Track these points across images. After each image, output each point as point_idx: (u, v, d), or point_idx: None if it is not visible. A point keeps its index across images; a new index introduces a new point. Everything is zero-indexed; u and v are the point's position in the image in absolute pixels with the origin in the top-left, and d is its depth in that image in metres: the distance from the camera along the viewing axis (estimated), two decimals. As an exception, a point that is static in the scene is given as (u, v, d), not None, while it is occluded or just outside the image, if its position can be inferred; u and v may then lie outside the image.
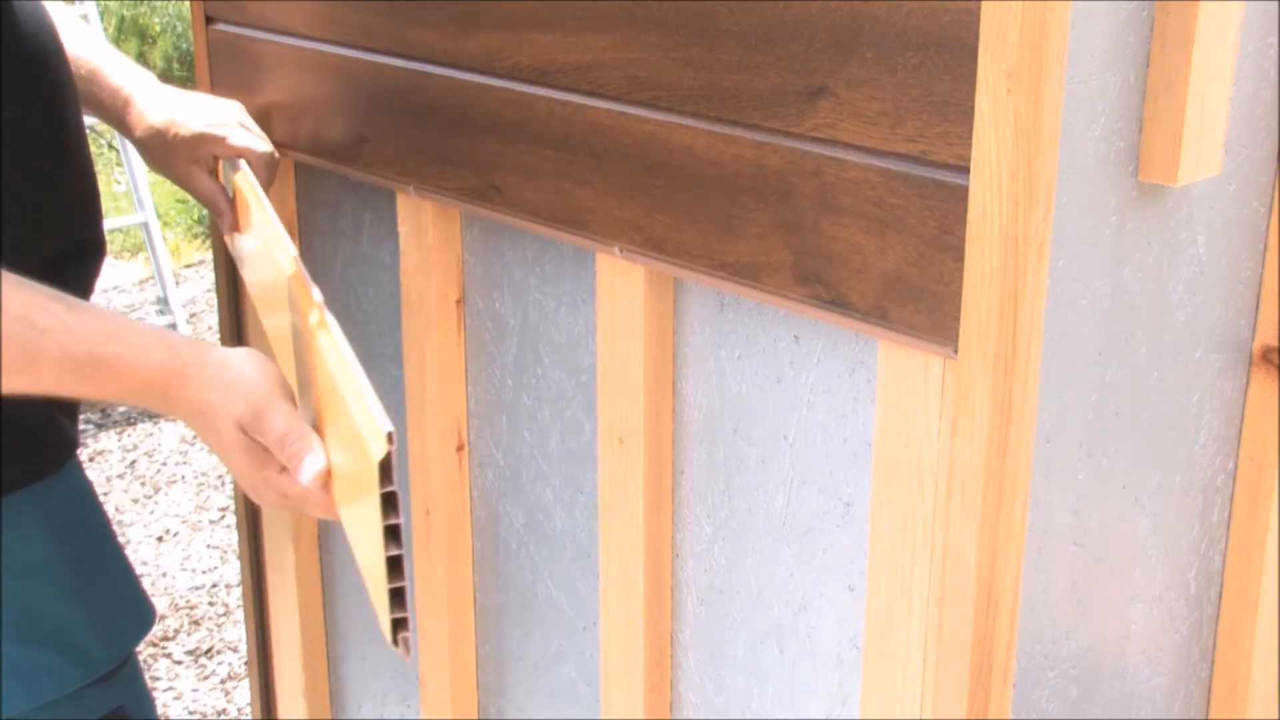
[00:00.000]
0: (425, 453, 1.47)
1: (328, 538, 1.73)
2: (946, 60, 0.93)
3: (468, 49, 1.27)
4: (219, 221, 1.45)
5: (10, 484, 1.16)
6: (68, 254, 1.21)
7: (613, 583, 1.30)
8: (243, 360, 1.06)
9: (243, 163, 1.40)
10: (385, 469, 0.83)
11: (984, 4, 0.90)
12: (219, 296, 1.69)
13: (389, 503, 0.84)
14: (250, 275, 1.37)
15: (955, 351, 0.97)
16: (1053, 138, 0.92)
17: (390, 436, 0.83)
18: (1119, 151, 1.00)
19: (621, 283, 1.21)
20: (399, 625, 0.88)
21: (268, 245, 1.19)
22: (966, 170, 0.94)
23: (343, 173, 1.47)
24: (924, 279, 0.98)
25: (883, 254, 1.00)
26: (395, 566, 0.85)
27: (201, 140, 1.41)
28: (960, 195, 0.95)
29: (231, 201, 1.42)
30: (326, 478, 0.99)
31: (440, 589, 1.50)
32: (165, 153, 1.41)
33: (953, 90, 0.94)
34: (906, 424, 1.03)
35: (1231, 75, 1.01)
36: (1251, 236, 1.15)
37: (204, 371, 1.05)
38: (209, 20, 1.58)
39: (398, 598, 0.86)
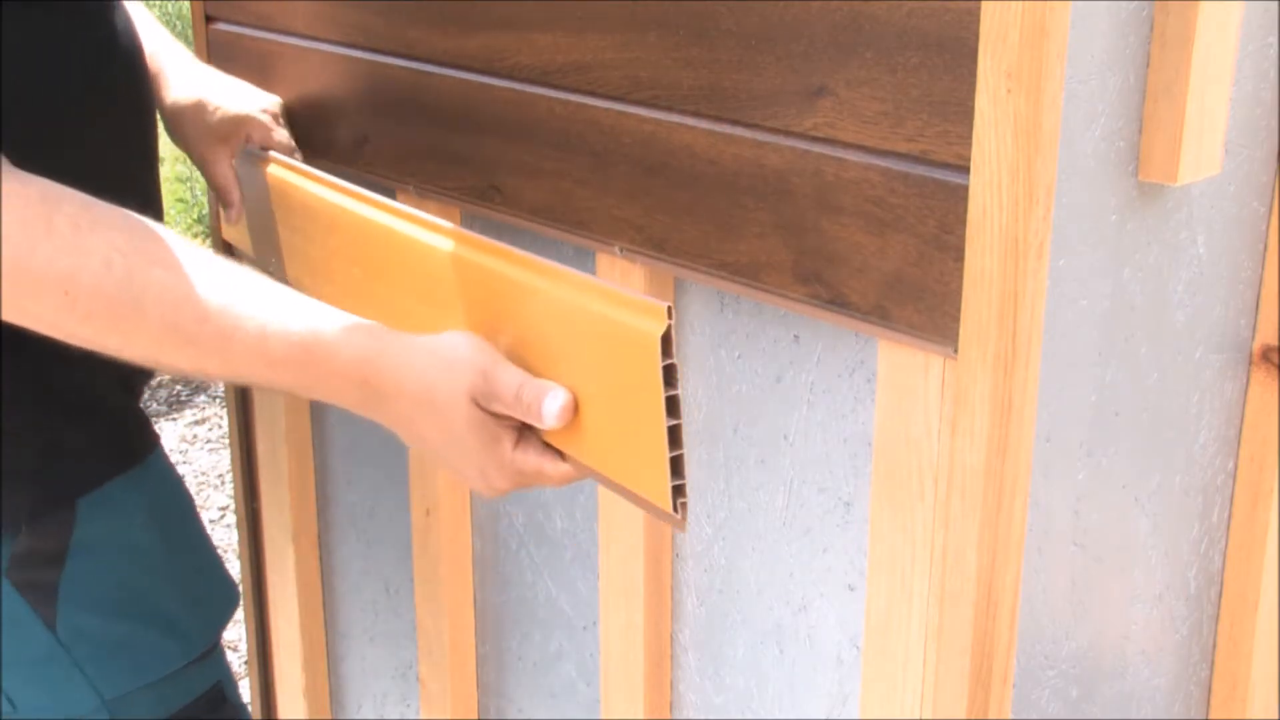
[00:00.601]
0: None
1: (328, 538, 1.73)
2: (946, 60, 0.93)
3: (468, 49, 1.27)
4: (226, 211, 1.44)
5: (111, 471, 1.17)
6: None
7: (613, 583, 1.30)
8: (450, 336, 1.01)
9: (274, 152, 1.40)
10: (666, 342, 0.86)
11: (984, 4, 0.90)
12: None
13: (669, 375, 0.87)
14: (296, 260, 1.36)
15: (955, 351, 0.97)
16: (1053, 138, 0.92)
17: (670, 310, 0.87)
18: (1119, 151, 1.00)
19: (622, 282, 1.21)
20: (678, 491, 0.90)
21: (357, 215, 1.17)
22: (966, 170, 0.94)
23: (342, 172, 1.47)
24: (924, 279, 0.98)
25: (883, 254, 1.00)
26: (675, 435, 0.89)
27: (243, 122, 1.40)
28: (960, 195, 0.95)
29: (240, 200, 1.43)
30: (571, 411, 0.96)
31: (440, 589, 1.50)
32: (194, 128, 1.40)
33: (953, 90, 0.94)
34: (906, 424, 1.03)
35: (1231, 75, 1.01)
36: (1251, 236, 1.15)
37: (412, 357, 0.99)
38: (209, 20, 1.58)
39: (676, 466, 0.89)
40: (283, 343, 0.97)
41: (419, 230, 1.13)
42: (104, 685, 1.16)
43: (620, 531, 1.28)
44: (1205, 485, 1.20)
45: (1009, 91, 0.90)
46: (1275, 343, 1.18)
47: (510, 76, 1.24)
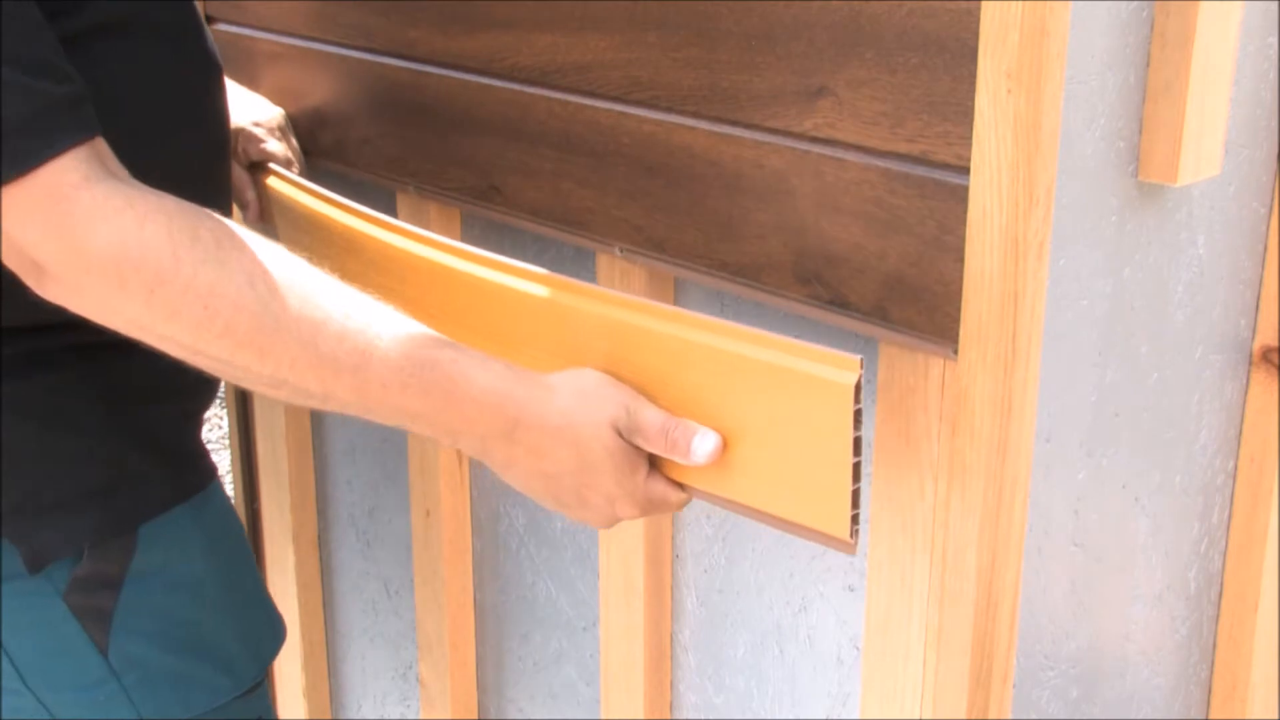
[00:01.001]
0: (425, 453, 1.47)
1: (328, 538, 1.73)
2: (946, 60, 0.93)
3: (468, 49, 1.27)
4: (244, 213, 1.45)
5: (170, 500, 1.17)
6: None
7: (613, 583, 1.30)
8: (584, 372, 1.04)
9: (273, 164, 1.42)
10: (857, 390, 0.94)
11: (984, 4, 0.90)
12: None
13: (857, 419, 0.95)
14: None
15: (955, 351, 0.97)
16: (1053, 138, 0.92)
17: (861, 362, 0.95)
18: (1119, 151, 1.00)
19: (621, 283, 1.21)
20: (854, 520, 0.98)
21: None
22: (966, 170, 0.94)
23: (342, 172, 1.47)
24: (924, 279, 0.98)
25: (883, 254, 1.00)
26: (856, 471, 0.96)
27: (238, 135, 1.41)
28: (960, 195, 0.95)
29: (257, 199, 1.43)
30: (720, 452, 1.01)
31: (440, 589, 1.50)
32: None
33: (953, 90, 0.94)
34: (906, 424, 1.03)
35: (1231, 75, 1.01)
36: (1251, 236, 1.15)
37: (552, 387, 1.02)
38: (209, 20, 1.58)
39: (854, 498, 0.97)
40: (420, 362, 0.97)
41: (479, 268, 1.15)
42: (150, 715, 1.16)
43: (620, 531, 1.28)
44: (1205, 485, 1.20)
45: (1009, 91, 0.90)
46: (1275, 343, 1.18)
47: (510, 77, 1.24)
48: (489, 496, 1.47)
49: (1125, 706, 1.20)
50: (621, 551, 1.28)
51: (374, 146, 1.41)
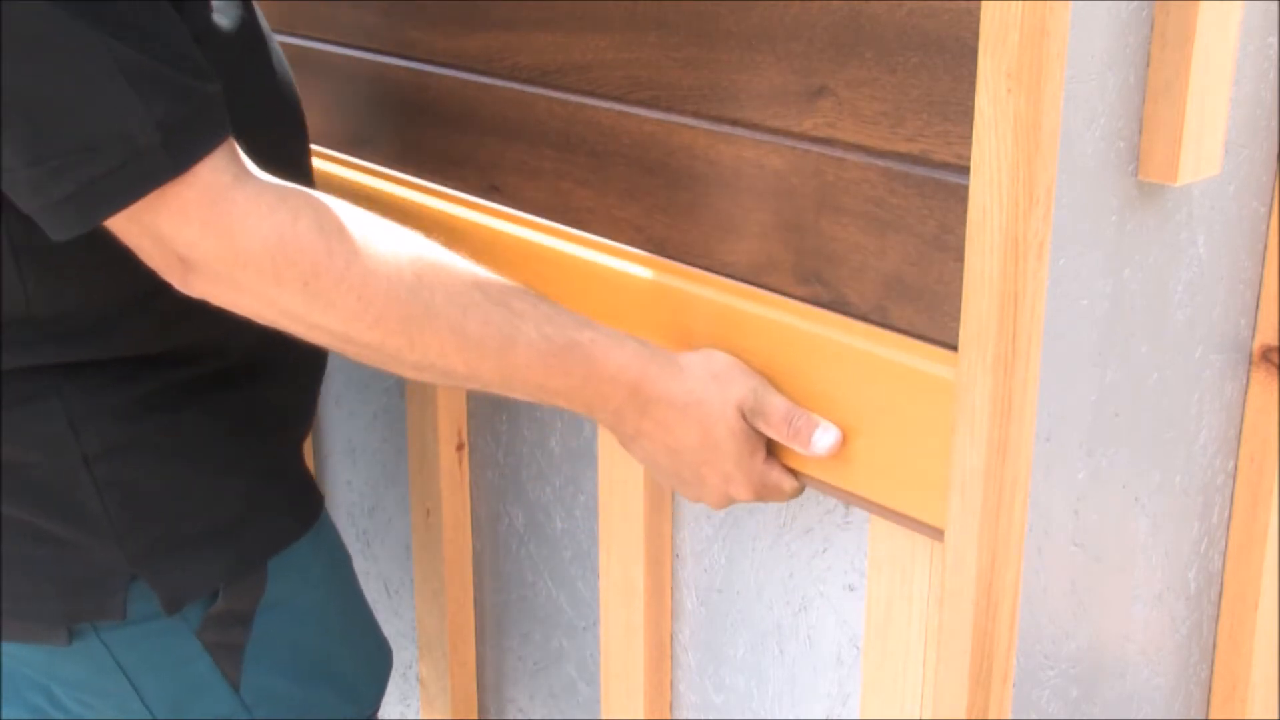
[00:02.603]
0: (425, 453, 1.47)
1: (328, 538, 1.73)
2: (946, 60, 0.93)
3: (468, 49, 1.27)
4: None
5: (296, 532, 1.18)
6: None
7: (613, 583, 1.30)
8: (717, 354, 1.08)
9: None
10: None
11: (984, 4, 0.90)
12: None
13: None
14: None
15: (955, 351, 0.97)
16: (1053, 138, 0.92)
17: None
18: (1119, 151, 1.00)
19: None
20: None
21: None
22: (966, 170, 0.94)
23: (342, 172, 1.47)
24: (924, 279, 0.98)
25: (883, 254, 1.00)
26: None
27: None
28: (960, 195, 0.95)
29: None
30: (840, 446, 1.04)
31: (440, 589, 1.50)
32: None
33: (953, 90, 0.94)
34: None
35: (1231, 75, 1.01)
36: (1251, 236, 1.15)
37: (682, 366, 1.05)
38: (209, 20, 1.58)
39: None
40: (562, 344, 1.01)
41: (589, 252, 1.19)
42: None
43: (620, 531, 1.28)
44: (1205, 485, 1.20)
45: (1009, 91, 0.90)
46: (1275, 343, 1.18)
47: (510, 76, 1.24)
48: (489, 496, 1.47)
49: (1125, 706, 1.20)
50: (621, 551, 1.28)
51: (374, 146, 1.41)
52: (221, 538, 1.12)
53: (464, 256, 1.02)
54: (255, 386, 1.12)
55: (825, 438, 1.04)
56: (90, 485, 1.06)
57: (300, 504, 1.19)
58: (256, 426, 1.15)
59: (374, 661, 1.28)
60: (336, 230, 0.96)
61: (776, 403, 1.05)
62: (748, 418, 1.06)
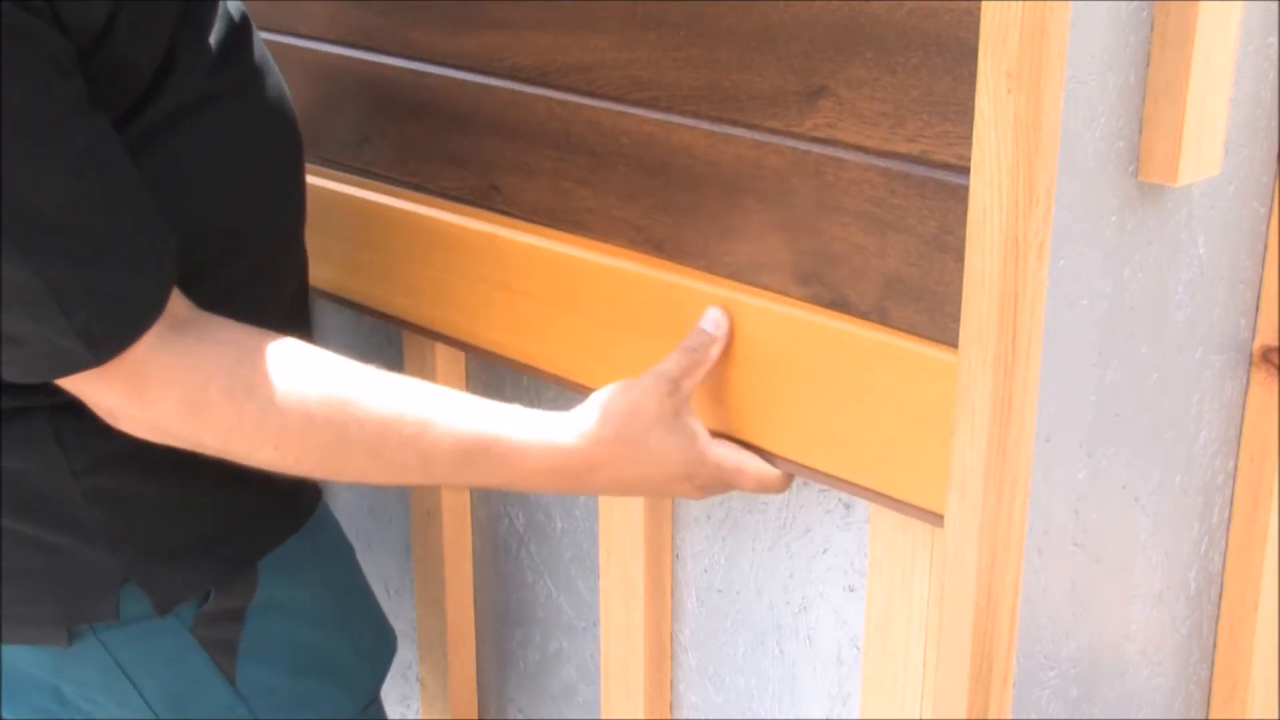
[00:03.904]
0: (425, 453, 1.47)
1: (328, 538, 1.73)
2: (946, 60, 0.93)
3: (468, 49, 1.27)
4: None
5: (287, 531, 1.20)
6: (299, 296, 1.25)
7: (613, 583, 1.30)
8: (612, 390, 1.09)
9: None
10: None
11: (984, 4, 0.90)
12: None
13: None
14: None
15: (955, 351, 0.97)
16: (1053, 138, 0.92)
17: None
18: (1119, 151, 1.00)
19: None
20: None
21: None
22: (966, 170, 0.94)
23: (343, 171, 1.47)
24: (924, 279, 0.98)
25: (883, 254, 1.00)
26: None
27: None
28: (960, 195, 0.95)
29: None
30: (728, 316, 1.10)
31: (440, 589, 1.50)
32: None
33: (953, 90, 0.94)
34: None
35: (1231, 75, 1.01)
36: (1251, 236, 1.15)
37: (595, 425, 1.08)
38: (209, 20, 1.58)
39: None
40: (473, 455, 1.05)
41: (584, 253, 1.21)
42: None
43: (620, 531, 1.28)
44: (1205, 485, 1.20)
45: (1009, 91, 0.90)
46: (1275, 343, 1.18)
47: (509, 76, 1.24)
48: (489, 496, 1.47)
49: (1125, 706, 1.20)
50: (621, 551, 1.28)
51: (374, 146, 1.41)
52: (211, 542, 1.14)
53: (380, 374, 1.06)
54: None
55: (710, 315, 1.09)
56: (79, 497, 1.09)
57: (290, 504, 1.20)
58: None
59: (372, 650, 1.28)
60: (245, 390, 1.00)
61: (671, 362, 1.08)
62: (670, 398, 1.07)
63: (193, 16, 1.06)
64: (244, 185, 1.11)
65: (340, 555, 1.28)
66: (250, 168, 1.12)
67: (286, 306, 1.19)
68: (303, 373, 1.03)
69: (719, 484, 1.11)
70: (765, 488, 1.11)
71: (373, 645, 1.29)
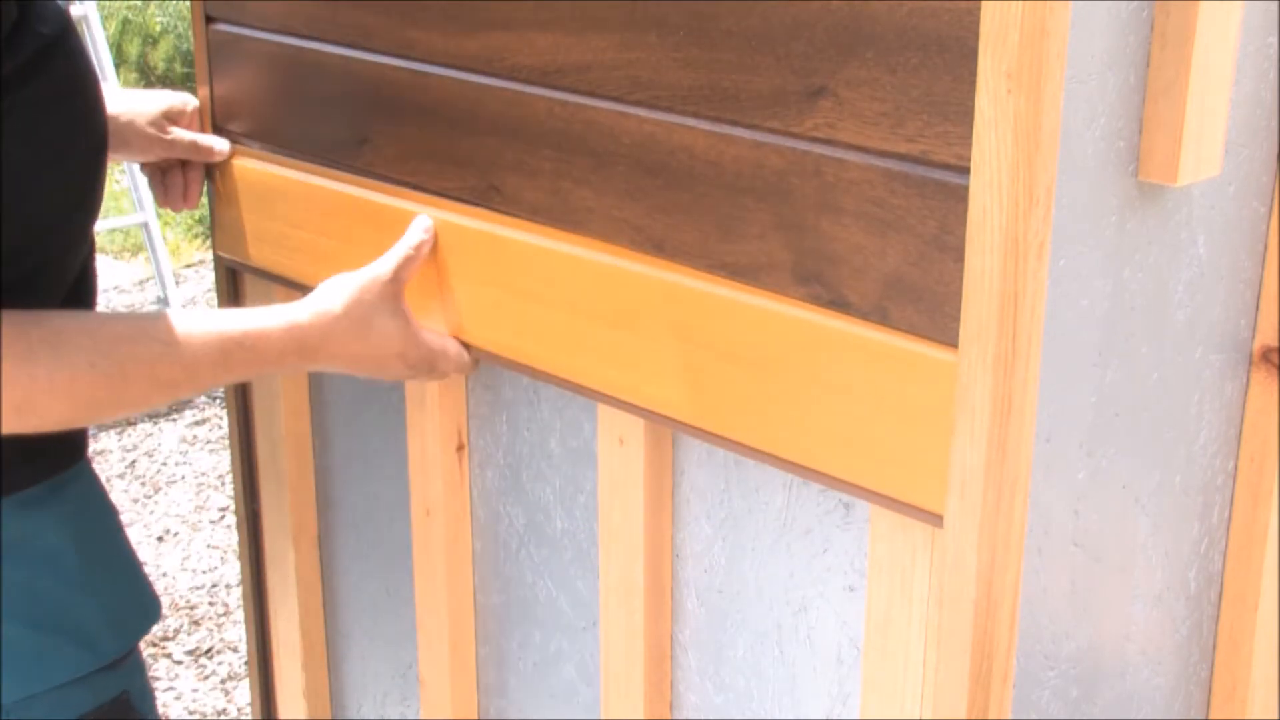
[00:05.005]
0: (425, 453, 1.47)
1: (328, 538, 1.73)
2: (946, 60, 0.93)
3: (468, 49, 1.27)
4: (161, 187, 1.57)
5: (25, 481, 1.21)
6: (84, 272, 1.29)
7: (613, 583, 1.30)
8: (340, 279, 1.27)
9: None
10: None
11: (984, 4, 0.90)
12: (219, 297, 1.69)
13: None
14: None
15: (955, 351, 0.97)
16: (1053, 138, 0.92)
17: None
18: (1119, 151, 1.00)
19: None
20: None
21: None
22: (967, 170, 0.94)
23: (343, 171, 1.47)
24: (924, 279, 0.98)
25: (883, 254, 1.00)
26: None
27: (168, 113, 1.54)
28: (960, 195, 0.95)
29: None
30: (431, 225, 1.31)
31: (440, 589, 1.50)
32: (128, 131, 1.51)
33: (953, 90, 0.94)
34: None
35: (1231, 75, 1.01)
36: (1251, 236, 1.15)
37: (333, 305, 1.26)
38: (209, 20, 1.58)
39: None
40: (230, 350, 1.19)
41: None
42: (6, 688, 1.20)
43: (620, 531, 1.28)
44: (1205, 485, 1.20)
45: (1009, 91, 0.90)
46: (1275, 343, 1.18)
47: (510, 77, 1.24)
48: (489, 496, 1.47)
49: (1125, 706, 1.20)
50: (621, 551, 1.28)
51: (374, 146, 1.41)
52: None
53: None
54: None
55: (421, 221, 1.31)
56: None
57: (48, 451, 1.22)
58: None
59: (121, 613, 1.29)
60: (29, 356, 1.08)
61: (389, 256, 1.28)
62: (389, 285, 1.27)
63: None
64: (39, 184, 1.15)
65: (96, 516, 1.30)
66: (48, 166, 1.17)
67: (67, 293, 1.24)
68: (76, 327, 1.13)
69: (425, 364, 1.31)
70: (460, 369, 1.34)
71: (121, 608, 1.29)
